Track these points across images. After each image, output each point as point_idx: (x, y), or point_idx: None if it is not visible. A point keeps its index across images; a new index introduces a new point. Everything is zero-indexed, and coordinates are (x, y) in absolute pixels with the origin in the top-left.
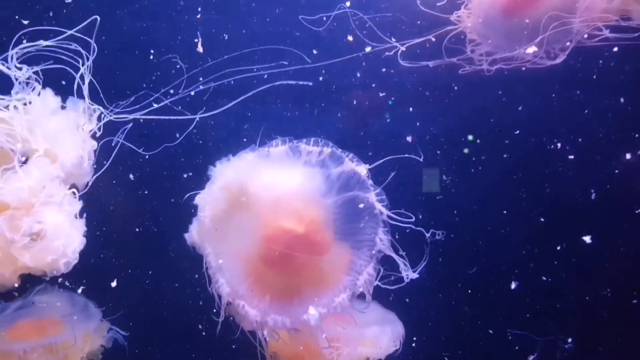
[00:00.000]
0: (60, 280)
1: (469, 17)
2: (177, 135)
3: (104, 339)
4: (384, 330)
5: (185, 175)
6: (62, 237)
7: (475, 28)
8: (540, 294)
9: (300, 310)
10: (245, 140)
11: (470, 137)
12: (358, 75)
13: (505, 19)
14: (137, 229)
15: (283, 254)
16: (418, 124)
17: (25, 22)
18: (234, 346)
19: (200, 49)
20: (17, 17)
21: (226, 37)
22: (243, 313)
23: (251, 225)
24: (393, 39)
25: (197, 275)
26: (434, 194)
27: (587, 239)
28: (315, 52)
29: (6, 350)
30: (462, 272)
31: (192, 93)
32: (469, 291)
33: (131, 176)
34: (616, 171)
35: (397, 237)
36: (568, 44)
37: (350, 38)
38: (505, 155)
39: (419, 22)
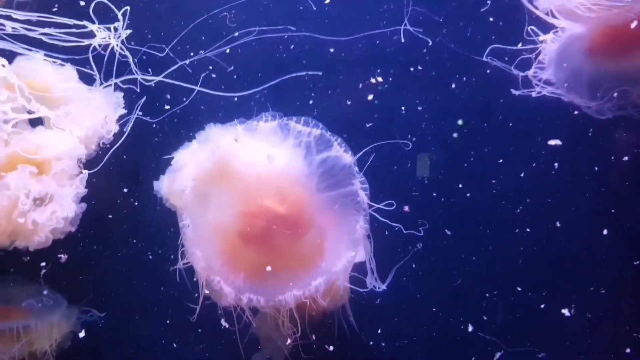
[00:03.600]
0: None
1: (553, 42)
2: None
3: (73, 325)
4: None
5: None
6: (60, 206)
7: (554, 61)
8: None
9: (274, 290)
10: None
11: (460, 122)
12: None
13: (591, 68)
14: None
15: (262, 232)
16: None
17: None
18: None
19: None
20: None
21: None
22: (218, 290)
23: (232, 200)
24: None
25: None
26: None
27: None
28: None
29: None
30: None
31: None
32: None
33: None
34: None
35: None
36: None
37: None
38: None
39: None
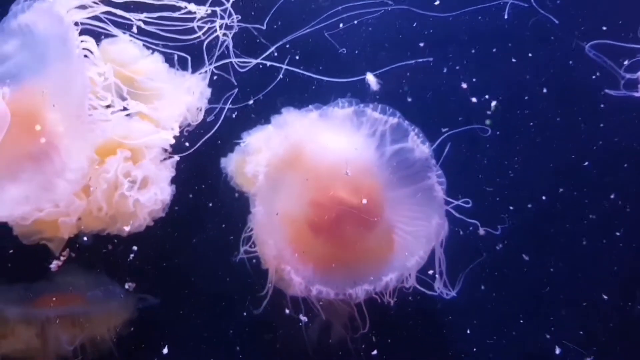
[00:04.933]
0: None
1: None
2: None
3: (132, 313)
4: None
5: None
6: (160, 189)
7: None
8: None
9: (344, 283)
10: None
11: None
12: None
13: None
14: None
15: (332, 223)
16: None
17: None
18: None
19: None
20: None
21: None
22: (288, 279)
23: (304, 188)
24: None
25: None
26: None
27: None
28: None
29: (29, 316)
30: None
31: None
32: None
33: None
34: None
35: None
36: None
37: None
38: None
39: None
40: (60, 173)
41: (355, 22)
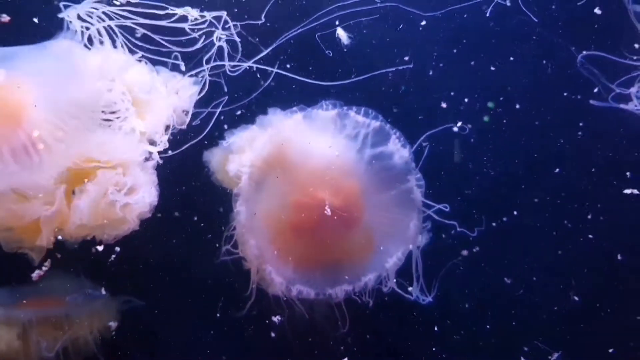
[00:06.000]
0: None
1: None
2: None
3: (115, 315)
4: None
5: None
6: (147, 192)
7: None
8: None
9: (324, 283)
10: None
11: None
12: None
13: None
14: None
15: (314, 223)
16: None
17: None
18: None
19: None
20: None
21: None
22: (270, 279)
23: (286, 189)
24: None
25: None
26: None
27: None
28: None
29: (10, 318)
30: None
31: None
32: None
33: None
34: None
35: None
36: None
37: None
38: None
39: None
40: (34, 172)
41: (352, 22)
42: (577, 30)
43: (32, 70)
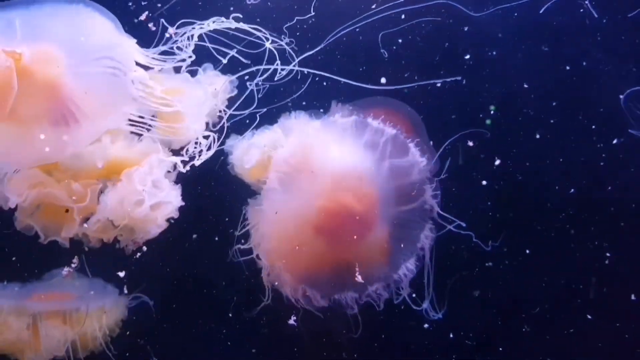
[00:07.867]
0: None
1: None
2: None
3: (123, 312)
4: None
5: None
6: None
7: None
8: None
9: (332, 289)
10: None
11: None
12: None
13: None
14: None
15: (333, 228)
16: None
17: None
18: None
19: None
20: None
21: None
22: (283, 280)
23: (309, 192)
24: None
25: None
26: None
27: None
28: None
29: (21, 309)
30: None
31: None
32: None
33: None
34: None
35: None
36: None
37: None
38: None
39: None
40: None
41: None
42: None
43: (62, 37)
